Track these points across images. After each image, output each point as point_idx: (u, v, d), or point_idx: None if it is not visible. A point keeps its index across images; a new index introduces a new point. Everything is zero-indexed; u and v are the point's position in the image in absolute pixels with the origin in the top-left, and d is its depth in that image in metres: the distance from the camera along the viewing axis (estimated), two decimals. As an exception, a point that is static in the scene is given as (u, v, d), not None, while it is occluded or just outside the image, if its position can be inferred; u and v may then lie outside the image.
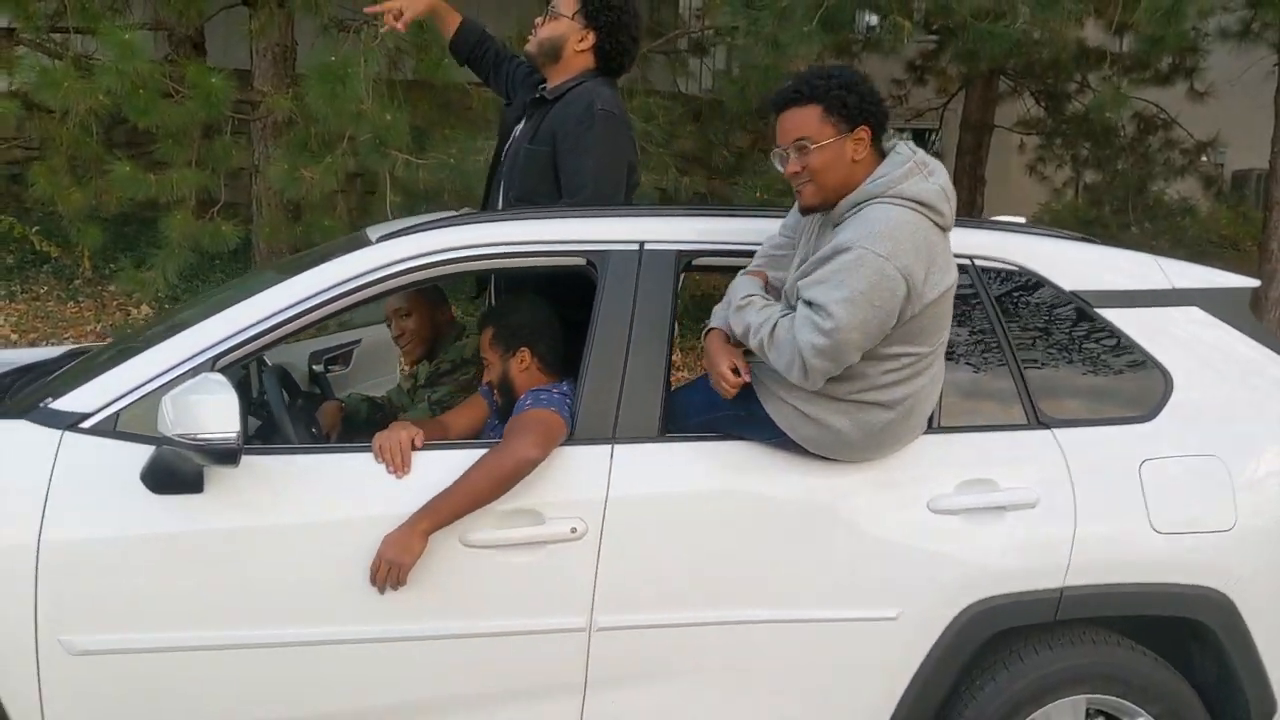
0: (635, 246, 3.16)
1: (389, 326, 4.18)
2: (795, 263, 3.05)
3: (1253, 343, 3.38)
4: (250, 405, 3.67)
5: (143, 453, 2.82)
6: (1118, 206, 11.06)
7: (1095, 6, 8.72)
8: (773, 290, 3.10)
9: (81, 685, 2.82)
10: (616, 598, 2.96)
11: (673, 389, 3.19)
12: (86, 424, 2.87)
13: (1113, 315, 3.28)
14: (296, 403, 3.55)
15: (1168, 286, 3.38)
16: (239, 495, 2.84)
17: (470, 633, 2.92)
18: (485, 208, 4.00)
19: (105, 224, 8.77)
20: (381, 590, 2.84)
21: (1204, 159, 11.72)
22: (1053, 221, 10.26)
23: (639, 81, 9.16)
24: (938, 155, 3.04)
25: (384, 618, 2.89)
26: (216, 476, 2.81)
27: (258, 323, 2.99)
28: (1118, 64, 9.86)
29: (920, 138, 13.54)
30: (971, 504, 3.06)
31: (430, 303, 4.09)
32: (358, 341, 4.96)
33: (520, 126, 3.89)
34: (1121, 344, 3.27)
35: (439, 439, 3.18)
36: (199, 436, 2.66)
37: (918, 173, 2.90)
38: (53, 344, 8.54)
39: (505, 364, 3.30)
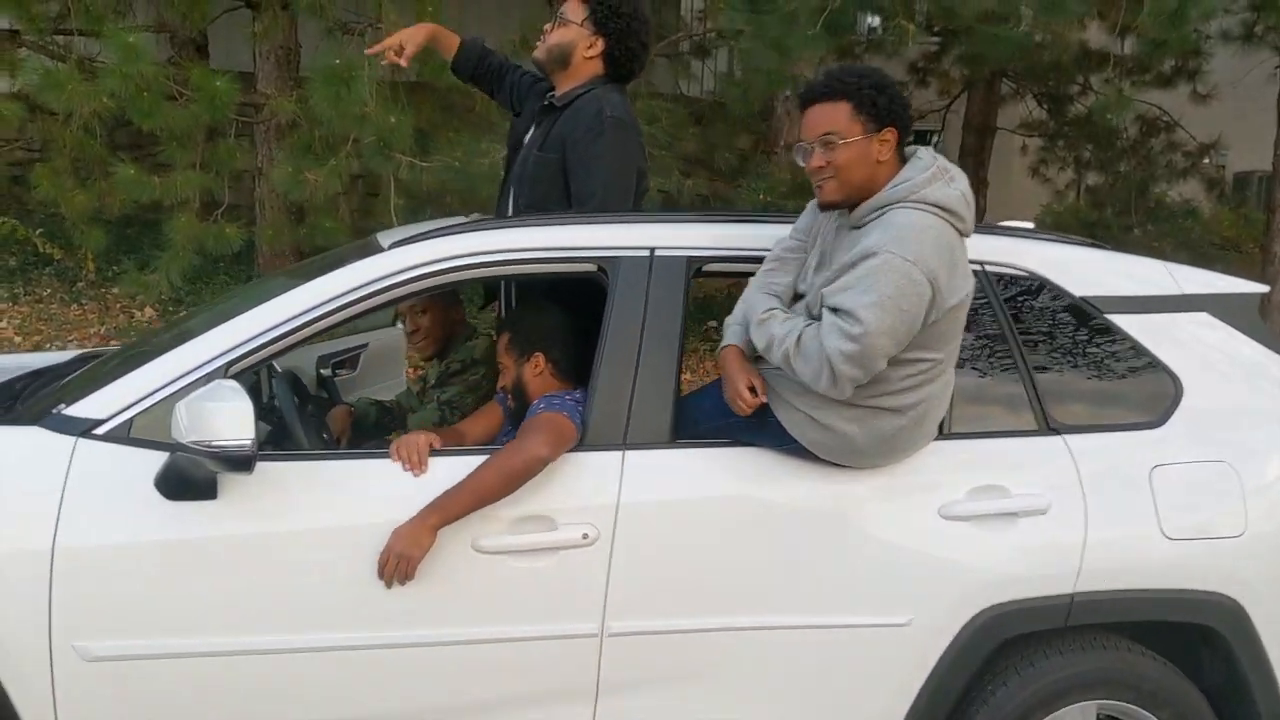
0: (646, 253, 3.16)
1: (403, 323, 4.18)
2: (811, 264, 3.06)
3: (1262, 349, 3.38)
4: (260, 410, 3.68)
5: (156, 459, 2.82)
6: (1120, 209, 11.06)
7: (1098, 9, 8.74)
8: (785, 293, 3.10)
9: (95, 691, 2.82)
10: (628, 603, 2.96)
11: (683, 395, 3.19)
12: (100, 430, 2.87)
13: (1122, 321, 3.29)
14: (307, 408, 3.55)
15: (1177, 292, 3.38)
16: (253, 501, 2.85)
17: (483, 638, 2.93)
18: (498, 215, 4.01)
19: (108, 226, 8.78)
20: (389, 584, 2.84)
21: (1206, 161, 11.72)
22: (1055, 224, 10.27)
23: (642, 84, 9.16)
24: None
25: (397, 623, 2.89)
26: (230, 483, 2.82)
27: (271, 329, 2.99)
28: (1120, 66, 9.86)
29: (922, 139, 13.54)
30: (983, 510, 3.07)
31: (445, 301, 4.09)
32: (365, 345, 4.97)
33: (530, 134, 3.90)
34: (1131, 350, 3.28)
35: (455, 446, 3.19)
36: (214, 443, 2.67)
37: (940, 178, 2.90)
38: (56, 346, 8.56)
39: (519, 369, 3.31)
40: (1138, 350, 3.28)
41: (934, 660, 3.05)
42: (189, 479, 2.79)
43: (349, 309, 3.05)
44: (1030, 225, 3.66)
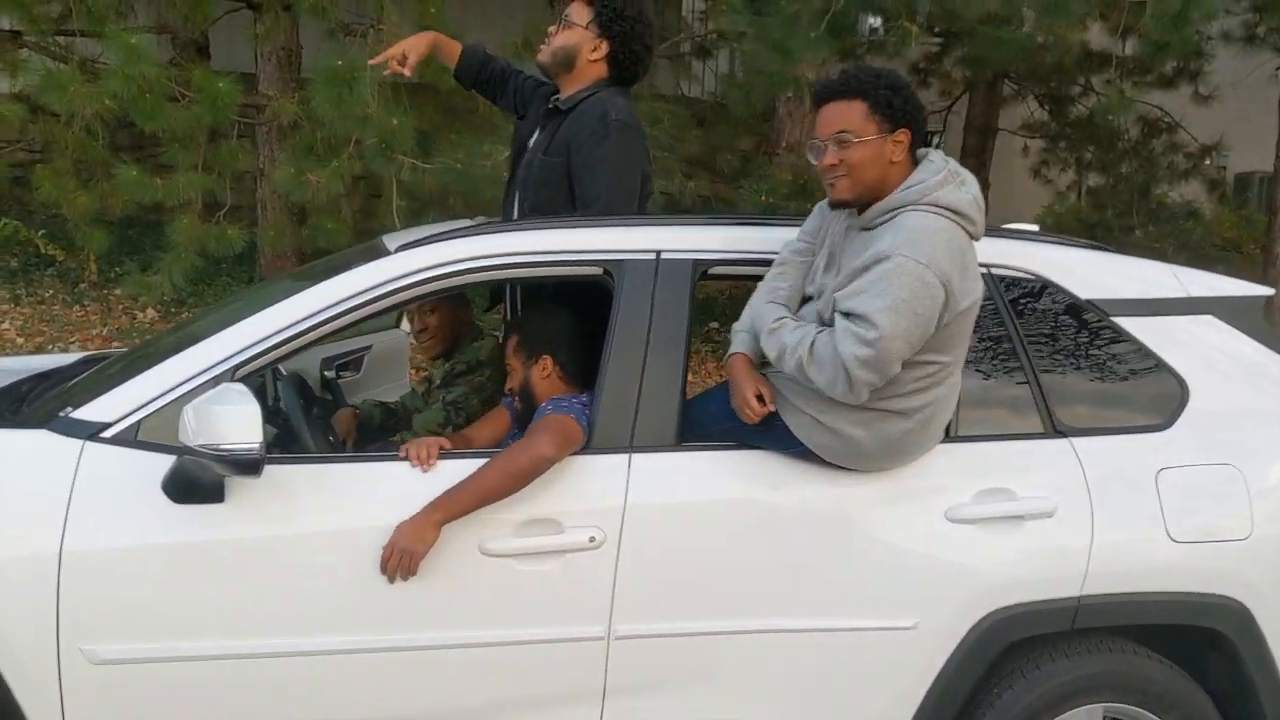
0: (652, 256, 3.16)
1: (410, 322, 4.17)
2: (819, 265, 3.06)
3: (1267, 351, 3.38)
4: (266, 413, 3.67)
5: (163, 462, 2.82)
6: (1121, 210, 11.06)
7: (1100, 11, 8.74)
8: (794, 296, 3.11)
9: (103, 694, 2.82)
10: (635, 606, 2.97)
11: (688, 398, 3.19)
12: (107, 434, 2.88)
13: (1129, 324, 3.29)
14: (312, 411, 3.55)
15: (1182, 295, 3.38)
16: (260, 504, 2.85)
17: (489, 641, 2.93)
18: (504, 219, 4.00)
19: (110, 227, 8.78)
20: (391, 579, 2.84)
21: (1207, 162, 11.72)
22: (1056, 225, 10.24)
23: (644, 86, 9.15)
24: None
25: (404, 627, 2.90)
26: (237, 486, 2.82)
27: (278, 332, 2.99)
28: (1121, 68, 9.86)
29: (923, 141, 13.49)
30: (989, 513, 3.07)
31: (454, 302, 4.09)
32: (368, 347, 4.96)
33: (535, 137, 3.90)
34: (1137, 352, 3.28)
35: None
36: (221, 447, 2.67)
37: (951, 181, 2.91)
38: (59, 348, 8.55)
39: (527, 371, 3.32)
40: (1143, 353, 3.28)
41: (940, 663, 3.05)
42: (196, 482, 2.79)
43: (356, 312, 3.05)
44: (1034, 228, 3.66)
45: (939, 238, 2.82)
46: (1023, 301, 3.27)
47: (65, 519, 2.78)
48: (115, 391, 2.95)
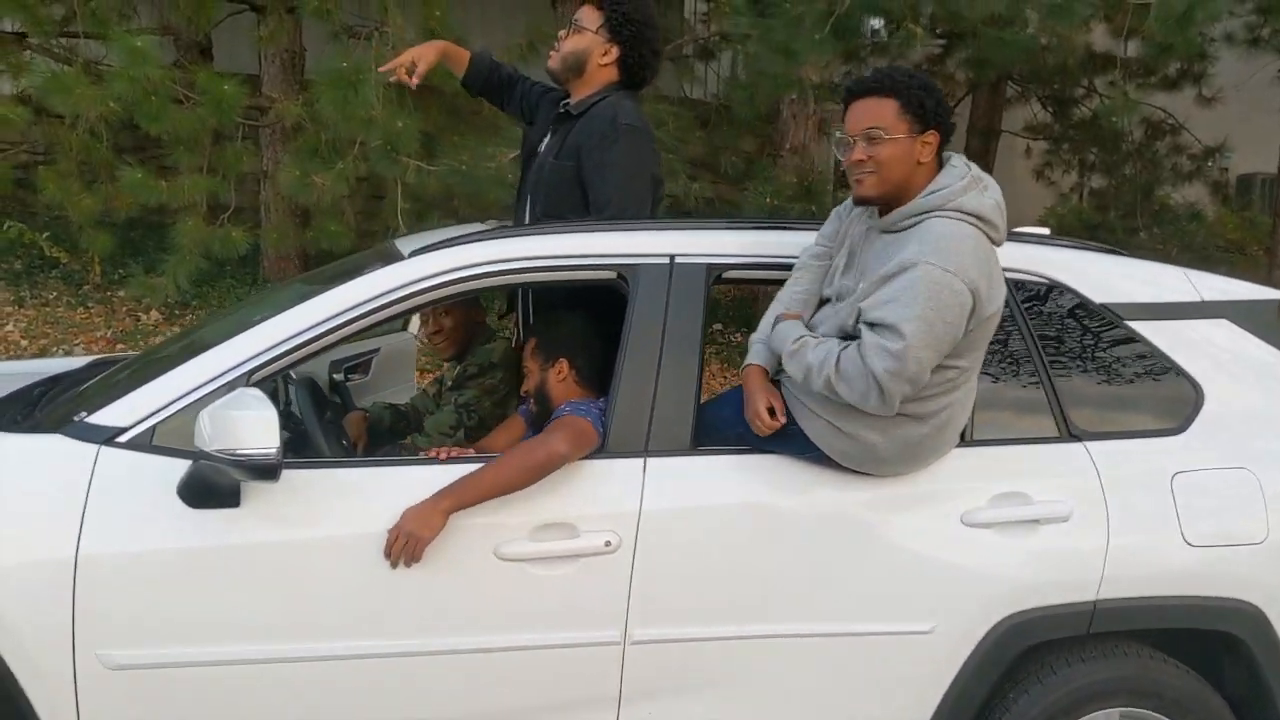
0: (666, 260, 3.16)
1: (424, 324, 4.17)
2: (839, 265, 3.06)
3: (1281, 355, 3.38)
4: (279, 417, 3.67)
5: (179, 467, 2.82)
6: (1124, 212, 11.06)
7: (1104, 13, 8.73)
8: (811, 300, 3.12)
9: (119, 700, 2.82)
10: (651, 611, 2.96)
11: (702, 402, 3.19)
12: (123, 439, 2.87)
13: (1143, 328, 3.29)
14: (325, 415, 3.54)
15: (1196, 299, 3.38)
16: (276, 509, 2.85)
17: (505, 646, 2.93)
18: (515, 223, 4.00)
19: (114, 229, 8.76)
20: (394, 565, 2.84)
21: (1210, 164, 11.71)
22: (1059, 227, 10.25)
23: (647, 88, 9.15)
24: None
25: (419, 631, 2.89)
26: (253, 491, 2.82)
27: (293, 336, 2.99)
28: (1125, 69, 9.86)
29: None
30: (1005, 517, 3.07)
31: (467, 304, 4.09)
32: (376, 350, 4.96)
33: (545, 142, 3.90)
34: (1151, 356, 3.28)
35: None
36: (238, 452, 2.66)
37: (975, 187, 2.91)
38: (63, 350, 8.55)
39: (544, 373, 3.32)
40: (1158, 357, 3.28)
41: (957, 668, 3.05)
42: (212, 487, 2.79)
43: (370, 316, 3.05)
44: (1045, 231, 3.66)
45: (965, 245, 2.82)
46: (1037, 305, 3.27)
47: (81, 524, 2.78)
48: (130, 396, 2.95)
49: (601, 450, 3.02)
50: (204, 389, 2.91)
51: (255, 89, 9.34)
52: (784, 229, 3.40)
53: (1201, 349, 3.31)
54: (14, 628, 2.75)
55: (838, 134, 3.04)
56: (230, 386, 2.89)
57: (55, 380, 3.72)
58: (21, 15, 8.22)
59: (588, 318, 3.38)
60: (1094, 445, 3.17)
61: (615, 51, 3.82)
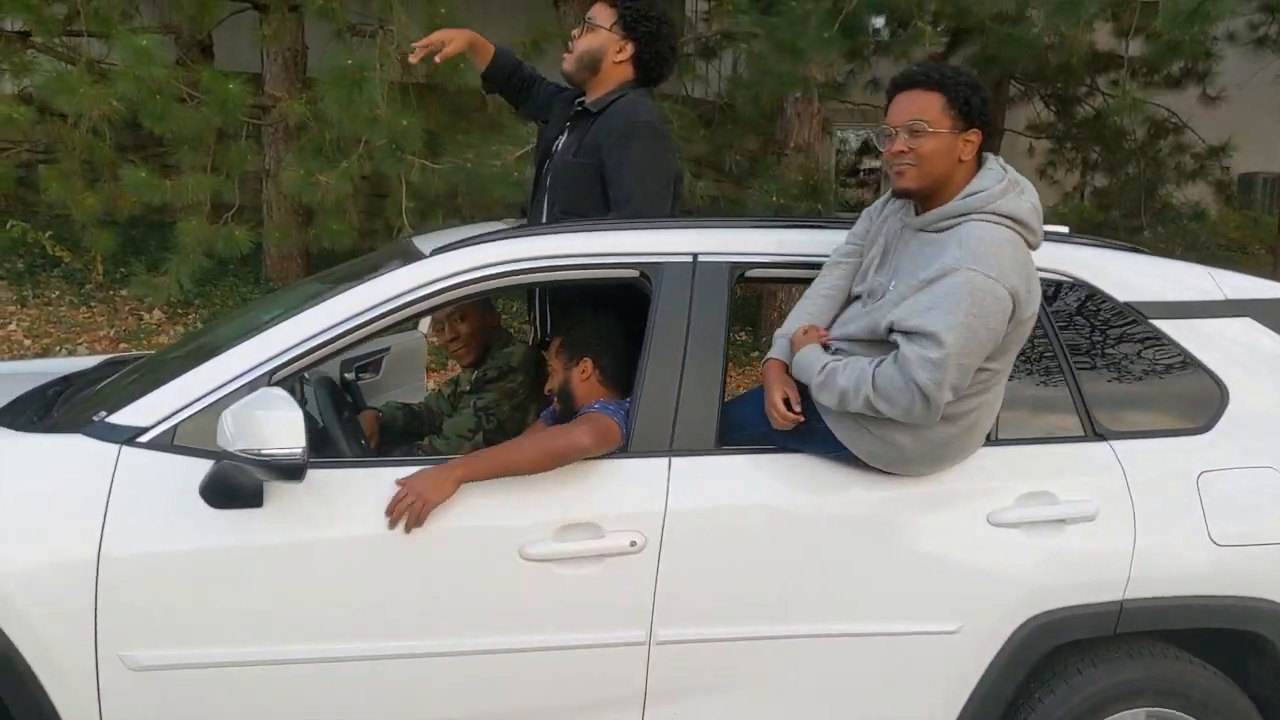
0: (689, 258, 3.14)
1: (442, 330, 4.14)
2: (872, 262, 3.05)
3: (1304, 353, 3.36)
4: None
5: (201, 467, 2.79)
6: (1128, 210, 11.03)
7: (1111, 11, 8.72)
8: (839, 296, 3.12)
9: (142, 701, 2.80)
10: (676, 611, 2.94)
11: (726, 401, 3.17)
12: (144, 438, 2.85)
13: (1167, 326, 3.27)
14: (343, 414, 3.52)
15: (1220, 297, 3.36)
16: (299, 509, 2.83)
17: (530, 646, 2.91)
18: (531, 223, 3.98)
19: (116, 229, 8.74)
20: (393, 525, 2.82)
21: (1214, 162, 11.69)
22: (1062, 225, 10.22)
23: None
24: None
25: (443, 632, 2.88)
26: (276, 491, 2.80)
27: (315, 335, 2.97)
28: (1130, 69, 9.85)
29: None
30: (1031, 517, 3.05)
31: (483, 308, 4.07)
32: (387, 349, 4.94)
33: (562, 140, 3.88)
34: (1176, 355, 3.26)
35: None
36: (263, 452, 2.64)
37: (1012, 190, 2.89)
38: (66, 349, 8.52)
39: (567, 372, 3.31)
40: (1182, 356, 3.26)
41: (983, 668, 3.03)
42: (235, 487, 2.76)
43: (393, 315, 3.03)
44: (1064, 229, 3.64)
45: (1004, 249, 2.80)
46: (1061, 304, 3.26)
47: (103, 524, 2.76)
48: (151, 396, 2.92)
49: (625, 450, 3.00)
50: (226, 388, 2.89)
51: (257, 87, 9.32)
52: (808, 228, 3.39)
53: (1225, 347, 3.30)
54: (37, 629, 2.73)
55: (880, 126, 3.01)
56: (252, 386, 2.88)
57: (68, 380, 3.70)
58: (25, 14, 8.20)
59: (612, 317, 3.36)
60: (1119, 444, 3.15)
61: (630, 48, 3.81)
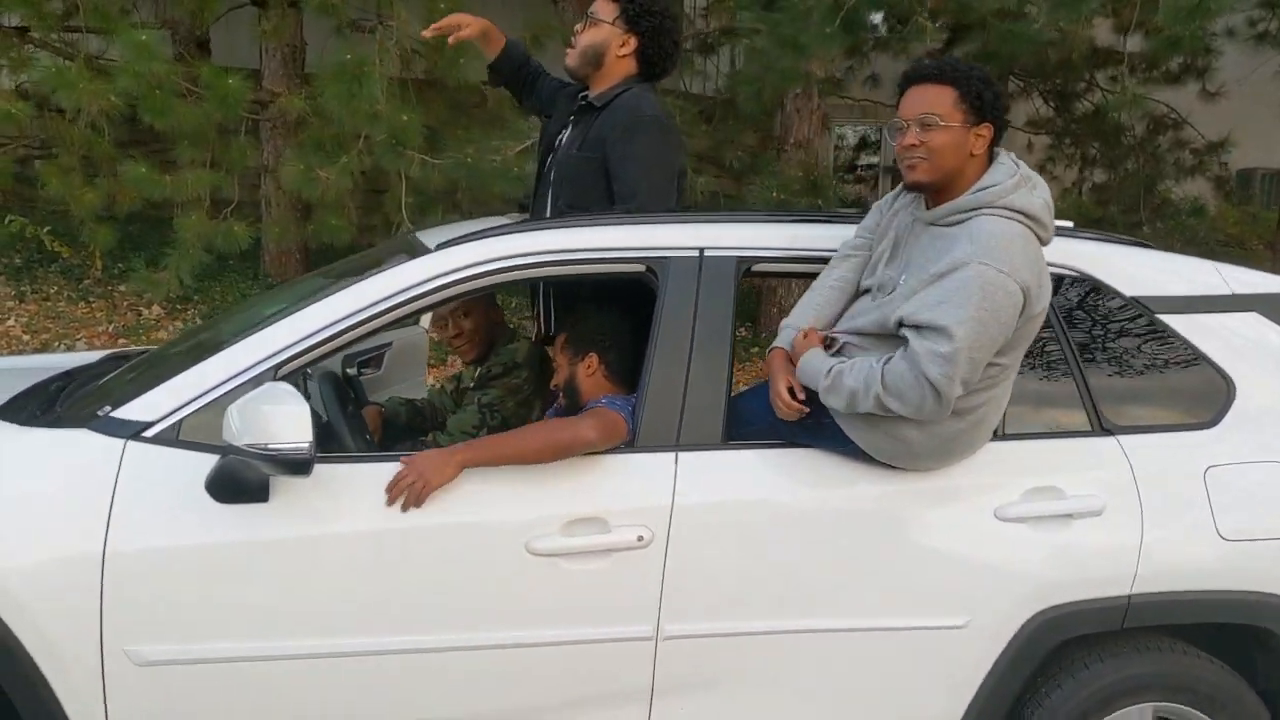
0: (695, 253, 3.13)
1: (445, 326, 4.12)
2: (882, 255, 3.04)
3: (1311, 348, 3.36)
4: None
5: (206, 462, 2.78)
6: (1127, 206, 11.02)
7: (1112, 7, 8.71)
8: (847, 288, 3.11)
9: (147, 697, 2.79)
10: (683, 606, 2.94)
11: (733, 395, 3.16)
12: (149, 433, 2.84)
13: (1174, 321, 3.26)
14: (348, 409, 3.51)
15: (1227, 292, 3.36)
16: (305, 504, 2.82)
17: (537, 641, 2.90)
18: (534, 217, 3.97)
19: (114, 224, 8.73)
20: (390, 502, 2.82)
21: (1213, 158, 11.68)
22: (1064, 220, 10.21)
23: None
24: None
25: (450, 627, 2.87)
26: (283, 485, 2.78)
27: (321, 330, 2.96)
28: (1129, 64, 9.84)
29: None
30: (1038, 511, 3.04)
31: (487, 304, 4.06)
32: (389, 345, 4.93)
33: (565, 135, 3.87)
34: (1183, 350, 3.25)
35: None
36: (270, 446, 2.63)
37: (1024, 185, 2.89)
38: (65, 345, 8.51)
39: (573, 367, 3.30)
40: (1189, 350, 3.26)
41: (991, 663, 3.03)
42: (241, 482, 2.75)
43: (399, 310, 3.02)
44: (1069, 224, 3.63)
45: (1016, 244, 2.80)
46: (1068, 299, 3.25)
47: (108, 519, 2.74)
48: (156, 390, 2.91)
49: (632, 444, 2.99)
50: (231, 383, 2.88)
51: (255, 83, 9.30)
52: (814, 222, 3.39)
53: (1232, 342, 3.29)
54: (42, 625, 2.71)
55: (892, 120, 3.01)
56: (257, 381, 2.86)
57: (70, 375, 3.68)
58: (24, 10, 8.19)
59: (618, 312, 3.36)
60: (1126, 439, 3.14)
61: (633, 43, 3.80)
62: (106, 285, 9.81)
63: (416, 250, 3.18)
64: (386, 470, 2.92)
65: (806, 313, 3.13)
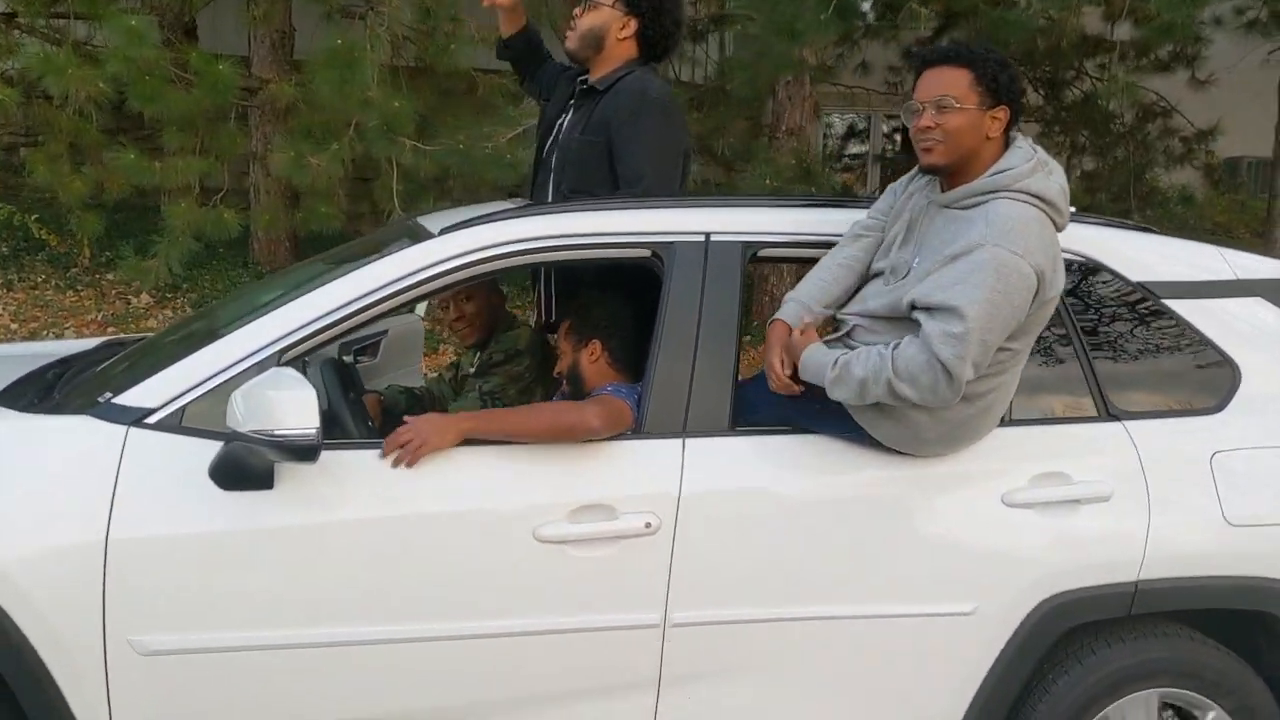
0: (701, 238, 3.11)
1: (447, 309, 4.10)
2: (895, 238, 3.03)
3: (1315, 333, 3.36)
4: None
5: (209, 448, 2.75)
6: (1116, 193, 11.04)
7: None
8: (856, 267, 3.11)
9: (151, 686, 2.76)
10: (691, 593, 2.92)
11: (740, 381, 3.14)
12: (151, 420, 2.80)
13: (1179, 306, 3.26)
14: (350, 395, 3.48)
15: (1231, 277, 3.35)
16: (311, 491, 2.79)
17: (544, 629, 2.88)
18: (535, 202, 3.95)
19: (102, 212, 8.67)
20: (384, 454, 2.81)
21: (1201, 147, 11.70)
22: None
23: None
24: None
25: (456, 614, 2.84)
26: (288, 472, 2.75)
27: (324, 315, 2.93)
28: (1119, 52, 9.84)
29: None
30: (1045, 498, 3.03)
31: (489, 288, 4.03)
32: (385, 332, 4.90)
33: (567, 119, 3.85)
34: (1188, 335, 3.25)
35: None
36: (275, 432, 2.60)
37: (1040, 169, 2.87)
38: (53, 334, 8.45)
39: (576, 354, 3.29)
40: (1194, 335, 3.25)
41: (998, 649, 3.02)
42: (246, 469, 2.71)
43: (402, 295, 2.99)
44: (1072, 209, 3.62)
45: (1031, 228, 2.78)
46: (1075, 284, 3.24)
47: (111, 507, 2.71)
48: (158, 376, 2.88)
49: (640, 432, 2.97)
50: (234, 369, 2.85)
51: (244, 69, 9.24)
52: (821, 207, 3.38)
53: (1237, 327, 3.29)
54: (43, 614, 2.68)
55: (908, 102, 2.99)
56: (261, 366, 2.83)
57: (66, 362, 3.64)
58: (12, -6, 8.13)
59: (622, 299, 3.34)
60: (1133, 425, 3.13)
61: (633, 24, 3.78)
62: (95, 273, 9.74)
63: (419, 235, 3.16)
64: (391, 458, 2.90)
65: (813, 288, 3.11)
